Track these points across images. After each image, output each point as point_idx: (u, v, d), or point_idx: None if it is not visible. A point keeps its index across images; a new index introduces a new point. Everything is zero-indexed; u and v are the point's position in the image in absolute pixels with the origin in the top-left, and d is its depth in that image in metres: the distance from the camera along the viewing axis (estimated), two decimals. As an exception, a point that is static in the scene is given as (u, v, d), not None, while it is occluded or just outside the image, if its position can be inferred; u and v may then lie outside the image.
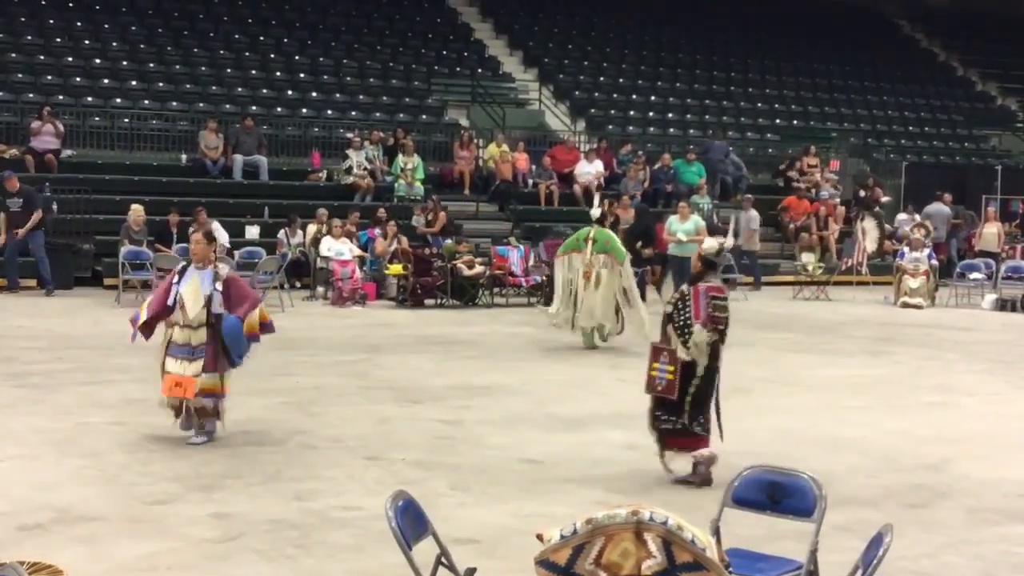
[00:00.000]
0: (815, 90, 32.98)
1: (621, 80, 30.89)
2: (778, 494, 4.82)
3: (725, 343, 8.21)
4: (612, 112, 29.20)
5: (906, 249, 21.16)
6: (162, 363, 8.46)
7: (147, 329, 8.66)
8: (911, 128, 32.53)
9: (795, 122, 30.81)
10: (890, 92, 33.60)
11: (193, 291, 8.34)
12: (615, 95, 30.10)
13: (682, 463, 7.96)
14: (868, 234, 23.49)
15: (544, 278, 19.46)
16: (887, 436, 9.62)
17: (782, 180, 26.47)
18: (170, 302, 8.40)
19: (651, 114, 29.80)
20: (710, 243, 8.82)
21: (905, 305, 20.04)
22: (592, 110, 28.84)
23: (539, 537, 3.88)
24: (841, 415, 10.50)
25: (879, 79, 33.81)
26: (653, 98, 30.45)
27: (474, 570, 4.53)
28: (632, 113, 29.52)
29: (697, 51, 32.90)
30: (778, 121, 30.71)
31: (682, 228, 18.73)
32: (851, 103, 32.80)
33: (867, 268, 23.12)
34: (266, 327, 8.61)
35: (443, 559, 4.51)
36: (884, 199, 26.28)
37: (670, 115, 29.87)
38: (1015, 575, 6.25)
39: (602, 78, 30.78)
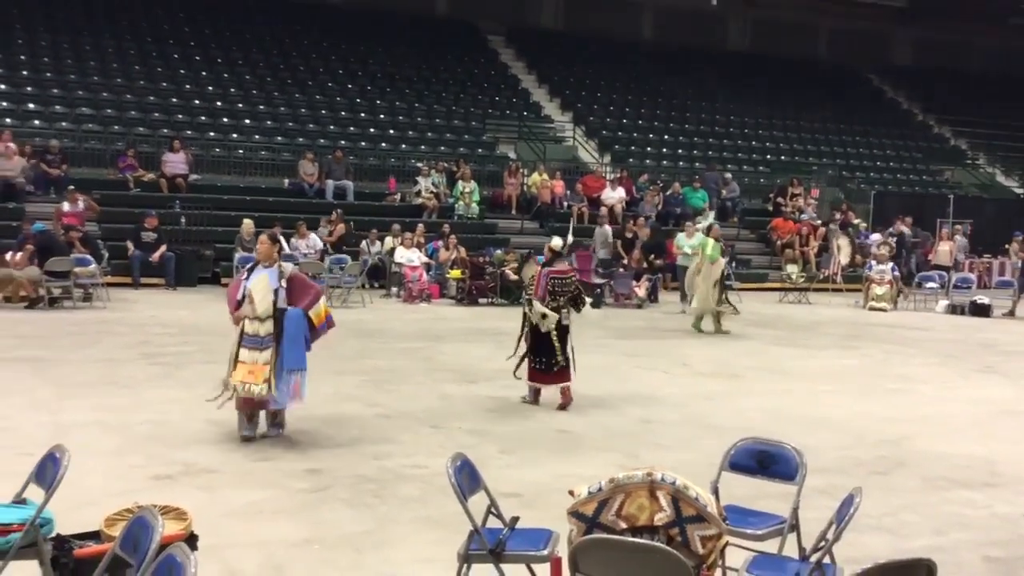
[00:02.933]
0: (799, 131, 32.78)
1: (640, 122, 30.83)
2: (766, 461, 4.79)
3: (581, 309, 9.68)
4: (633, 148, 29.11)
5: (873, 262, 20.97)
6: (234, 353, 7.63)
7: (237, 320, 7.81)
8: (878, 163, 32.24)
9: (782, 157, 30.58)
10: (862, 133, 33.35)
11: (261, 287, 7.66)
12: (635, 134, 30.03)
13: (526, 390, 9.42)
14: (842, 249, 23.34)
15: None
16: (856, 416, 9.52)
17: (771, 205, 26.30)
18: (238, 297, 7.74)
19: (664, 150, 29.68)
20: (556, 240, 9.78)
21: (872, 308, 19.85)
22: (616, 146, 28.77)
23: (571, 493, 3.88)
24: (818, 398, 10.41)
25: (853, 123, 33.56)
26: (666, 137, 30.34)
27: (517, 519, 4.52)
28: (649, 149, 29.42)
29: (703, 98, 32.76)
30: (768, 156, 30.51)
31: (688, 243, 18.62)
32: (829, 142, 32.60)
33: (841, 277, 22.95)
34: (330, 319, 7.93)
35: (493, 509, 4.51)
36: (856, 221, 26.06)
37: (680, 151, 29.75)
38: (961, 532, 6.17)
39: (625, 120, 30.72)
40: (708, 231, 16.38)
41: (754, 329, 15.19)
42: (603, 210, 23.73)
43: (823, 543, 4.19)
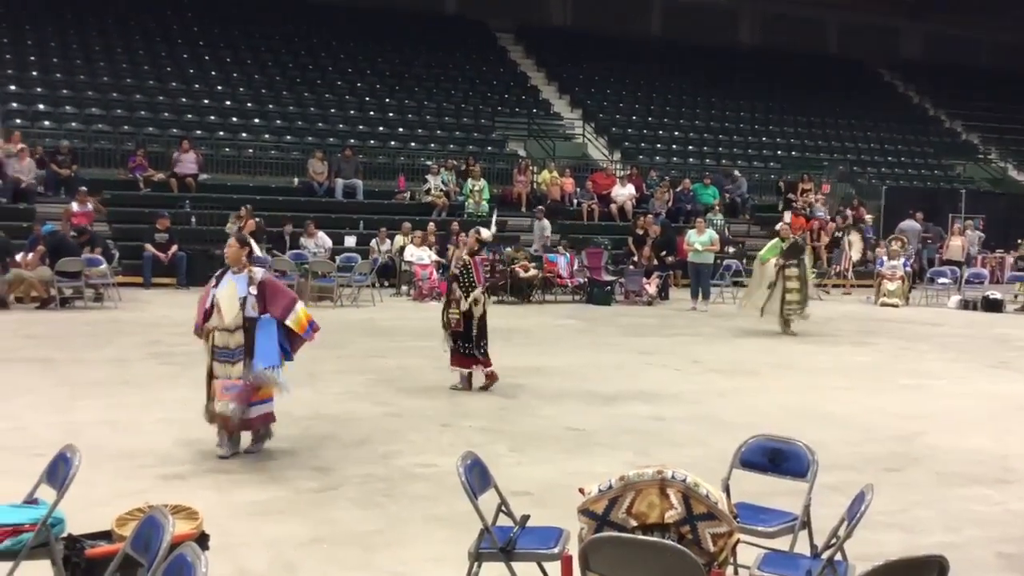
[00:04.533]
0: (810, 127, 32.68)
1: (650, 118, 30.80)
2: (778, 458, 4.77)
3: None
4: (642, 144, 29.08)
5: (885, 257, 20.89)
6: (209, 368, 7.16)
7: (203, 334, 7.27)
8: (890, 158, 32.13)
9: (793, 153, 30.50)
10: (873, 128, 33.25)
11: (228, 295, 7.10)
12: (645, 130, 30.00)
13: (456, 377, 9.90)
14: (853, 245, 23.25)
15: (585, 280, 19.48)
16: (868, 412, 9.49)
17: (782, 201, 26.21)
18: (207, 306, 7.18)
19: (674, 146, 29.65)
20: (485, 232, 10.40)
21: (884, 304, 19.78)
22: (626, 143, 28.74)
23: (581, 491, 3.87)
24: (830, 394, 10.38)
25: (864, 118, 33.46)
26: (676, 133, 30.31)
27: (528, 517, 4.52)
28: (659, 145, 29.39)
29: (712, 94, 32.69)
30: (779, 152, 30.44)
31: (699, 240, 18.58)
32: (840, 137, 32.50)
33: (852, 273, 22.87)
34: (312, 325, 7.32)
35: (503, 507, 4.51)
36: (867, 217, 25.95)
37: (690, 147, 29.72)
38: (975, 528, 6.14)
39: (634, 117, 30.69)
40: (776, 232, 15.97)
41: (768, 326, 15.14)
42: (613, 207, 23.71)
43: (835, 540, 4.17)
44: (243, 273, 7.20)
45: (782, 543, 4.55)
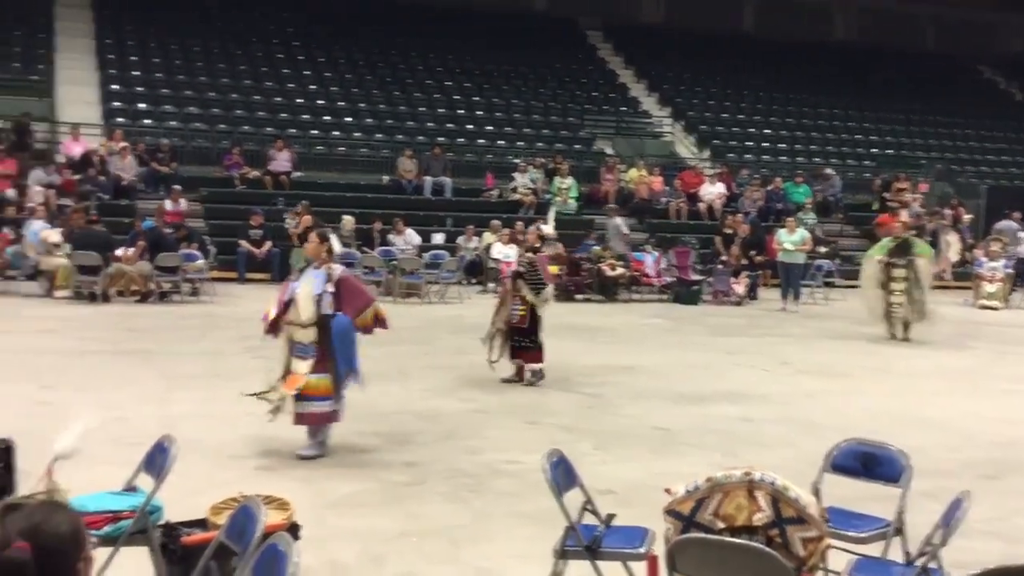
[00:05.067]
0: (907, 124, 31.84)
1: (740, 116, 30.40)
2: (870, 463, 4.68)
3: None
4: (732, 142, 28.72)
5: (984, 259, 20.28)
6: (287, 362, 7.15)
7: (273, 328, 7.29)
8: (990, 156, 31.15)
9: (889, 151, 29.79)
10: (973, 126, 32.28)
11: (306, 291, 7.05)
12: (735, 128, 29.63)
13: (510, 370, 10.08)
14: (951, 246, 22.62)
15: (673, 279, 19.33)
16: (966, 417, 9.23)
17: (877, 200, 25.60)
18: (286, 298, 7.15)
19: (765, 144, 29.22)
20: (547, 228, 10.98)
21: (983, 307, 19.21)
22: (715, 141, 28.42)
23: (667, 491, 3.84)
24: (926, 398, 10.12)
25: (962, 115, 32.49)
26: (767, 131, 29.87)
27: (613, 516, 4.51)
28: (749, 143, 28.99)
29: (805, 91, 32.09)
30: (874, 150, 29.77)
31: (790, 239, 18.28)
32: (938, 135, 31.63)
33: (950, 274, 22.25)
34: (380, 322, 7.27)
35: (588, 505, 4.51)
36: (966, 217, 25.21)
37: (781, 145, 29.27)
38: (1078, 540, 5.93)
39: (724, 114, 30.32)
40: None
41: (859, 327, 14.82)
42: (701, 206, 23.48)
43: (929, 547, 4.07)
44: (322, 269, 7.13)
45: (874, 549, 4.46)
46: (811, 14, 34.79)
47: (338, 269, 7.22)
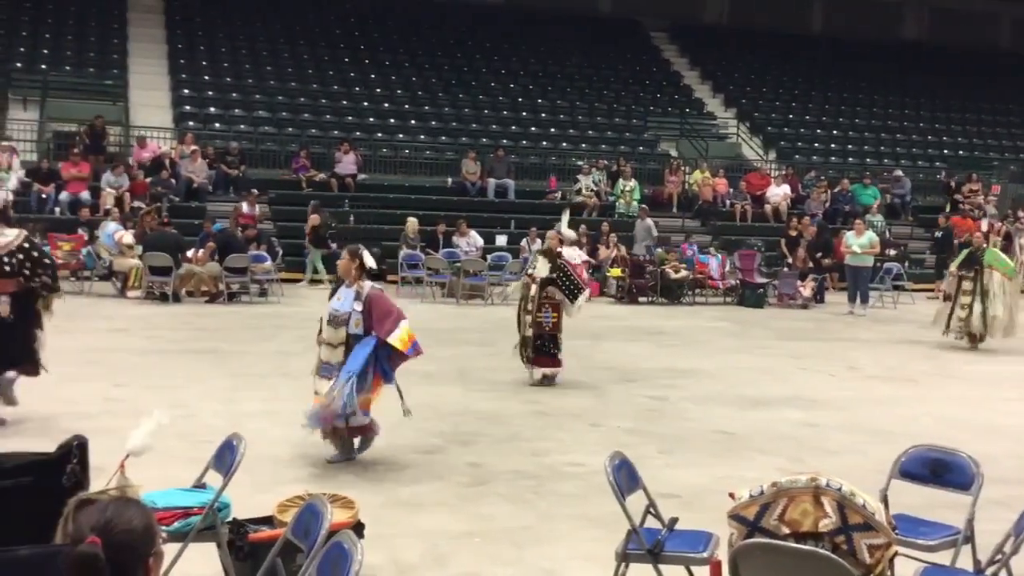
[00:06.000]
0: (979, 125, 31.16)
1: (807, 117, 30.01)
2: (940, 470, 4.59)
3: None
4: (799, 144, 28.36)
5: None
6: (314, 379, 7.00)
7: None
8: (1067, 157, 30.35)
9: (960, 152, 29.15)
10: (1049, 127, 31.46)
11: (336, 309, 6.87)
12: (802, 129, 29.25)
13: (537, 374, 10.07)
14: (1024, 250, 22.04)
15: (737, 281, 19.14)
16: (1039, 425, 9.00)
17: (949, 202, 25.08)
18: (323, 318, 6.98)
19: (833, 145, 28.80)
20: (568, 231, 10.98)
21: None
22: (782, 142, 28.08)
23: (731, 495, 3.80)
24: (998, 405, 9.89)
25: (1038, 115, 31.70)
26: (835, 132, 29.42)
27: (676, 519, 4.48)
28: (816, 145, 28.60)
29: (874, 91, 31.57)
30: (945, 152, 29.14)
31: (857, 242, 17.99)
32: (1012, 136, 30.88)
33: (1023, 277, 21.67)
34: (415, 346, 6.88)
35: (651, 509, 4.49)
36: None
37: (849, 146, 28.81)
38: None
39: (791, 115, 29.95)
40: None
41: (928, 333, 14.54)
42: (767, 208, 23.21)
43: (1000, 556, 3.98)
44: (353, 287, 6.90)
45: (943, 557, 4.38)
46: (880, 12, 34.19)
47: (367, 286, 6.92)
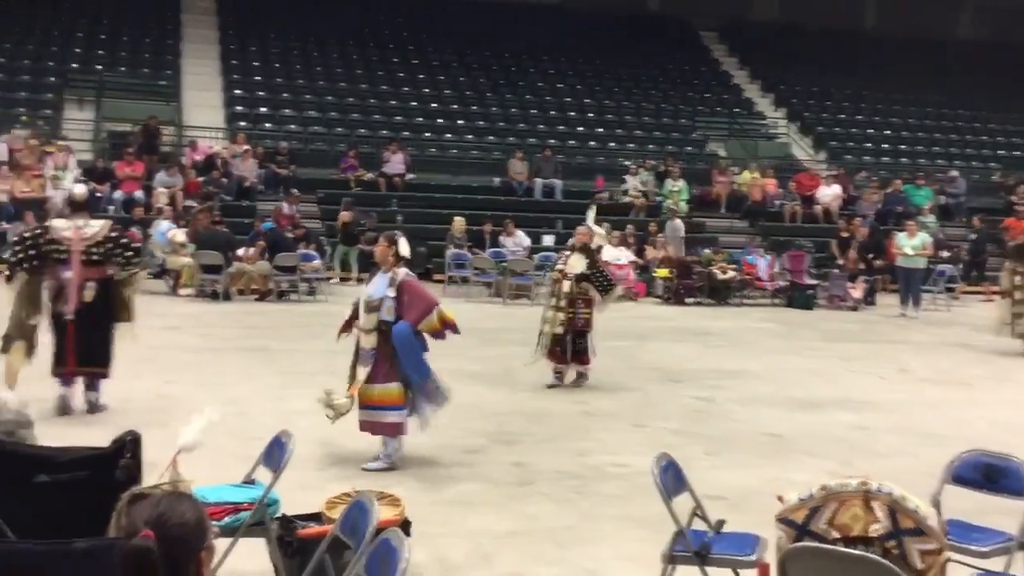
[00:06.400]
0: (1036, 124, 30.58)
1: (858, 116, 29.64)
2: (993, 475, 4.51)
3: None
4: (850, 143, 28.03)
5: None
6: (353, 366, 7.01)
7: (346, 328, 7.16)
8: None
9: (1016, 153, 28.61)
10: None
11: (369, 295, 6.90)
12: (853, 129, 28.90)
13: (571, 374, 10.03)
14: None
15: (786, 283, 18.95)
16: (1097, 430, 8.80)
17: (1004, 203, 24.63)
18: (355, 302, 7.05)
19: (885, 145, 28.41)
20: (598, 228, 11.05)
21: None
22: (832, 142, 27.77)
23: (779, 498, 3.77)
24: (1053, 410, 9.69)
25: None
26: (887, 132, 29.02)
27: (723, 522, 4.45)
28: (868, 144, 28.23)
29: (929, 90, 31.07)
30: (1001, 152, 28.63)
31: (910, 243, 17.74)
32: (1070, 135, 30.25)
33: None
34: (448, 327, 6.93)
35: (698, 511, 4.46)
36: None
37: (902, 146, 28.41)
38: None
39: (842, 115, 29.61)
40: None
41: (982, 336, 14.29)
42: (817, 209, 22.96)
43: (1056, 565, 3.91)
44: (389, 274, 6.88)
45: (996, 564, 4.30)
46: (934, 10, 33.65)
47: (401, 273, 6.90)
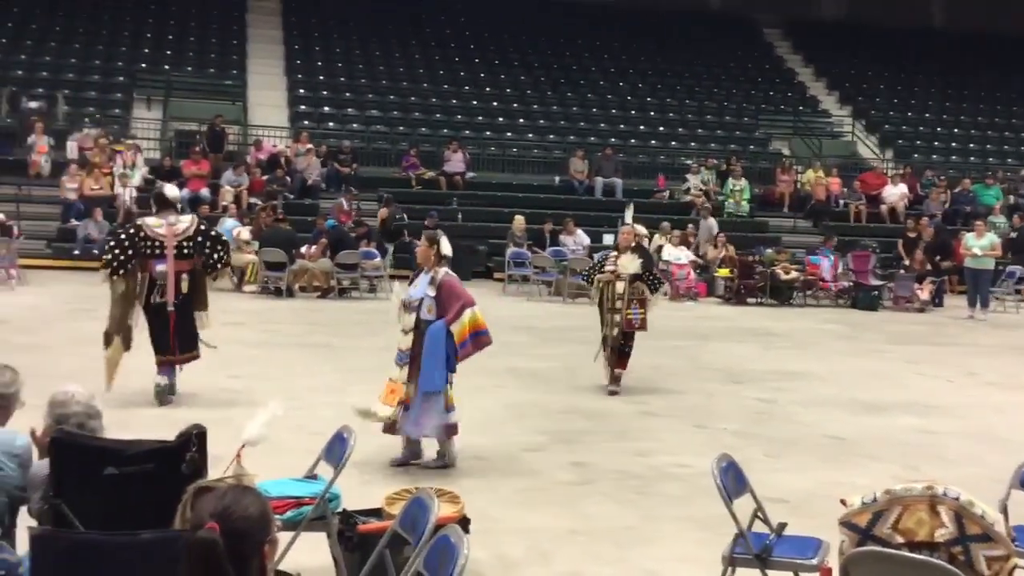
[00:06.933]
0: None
1: (926, 114, 29.10)
2: (1064, 482, 4.41)
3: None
4: (918, 142, 27.53)
5: None
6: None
7: None
8: None
9: (1091, 151, 27.88)
10: None
11: (409, 295, 6.82)
12: (921, 127, 28.38)
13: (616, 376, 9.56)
14: None
15: (850, 283, 18.67)
16: None
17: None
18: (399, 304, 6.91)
19: (953, 144, 27.87)
20: (640, 228, 10.80)
21: None
22: (899, 141, 27.30)
23: (842, 502, 3.72)
24: None
25: None
26: (956, 130, 28.46)
27: (785, 524, 4.40)
28: (936, 143, 27.73)
29: (999, 87, 30.40)
30: (1075, 150, 27.93)
31: (978, 244, 17.37)
32: None
33: None
34: (478, 335, 6.67)
35: (759, 513, 4.42)
36: None
37: (971, 145, 27.83)
38: None
39: (910, 113, 29.08)
40: None
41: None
42: (883, 208, 22.58)
43: None
44: (430, 274, 6.80)
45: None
46: (1004, 7, 32.87)
47: (442, 272, 6.80)
